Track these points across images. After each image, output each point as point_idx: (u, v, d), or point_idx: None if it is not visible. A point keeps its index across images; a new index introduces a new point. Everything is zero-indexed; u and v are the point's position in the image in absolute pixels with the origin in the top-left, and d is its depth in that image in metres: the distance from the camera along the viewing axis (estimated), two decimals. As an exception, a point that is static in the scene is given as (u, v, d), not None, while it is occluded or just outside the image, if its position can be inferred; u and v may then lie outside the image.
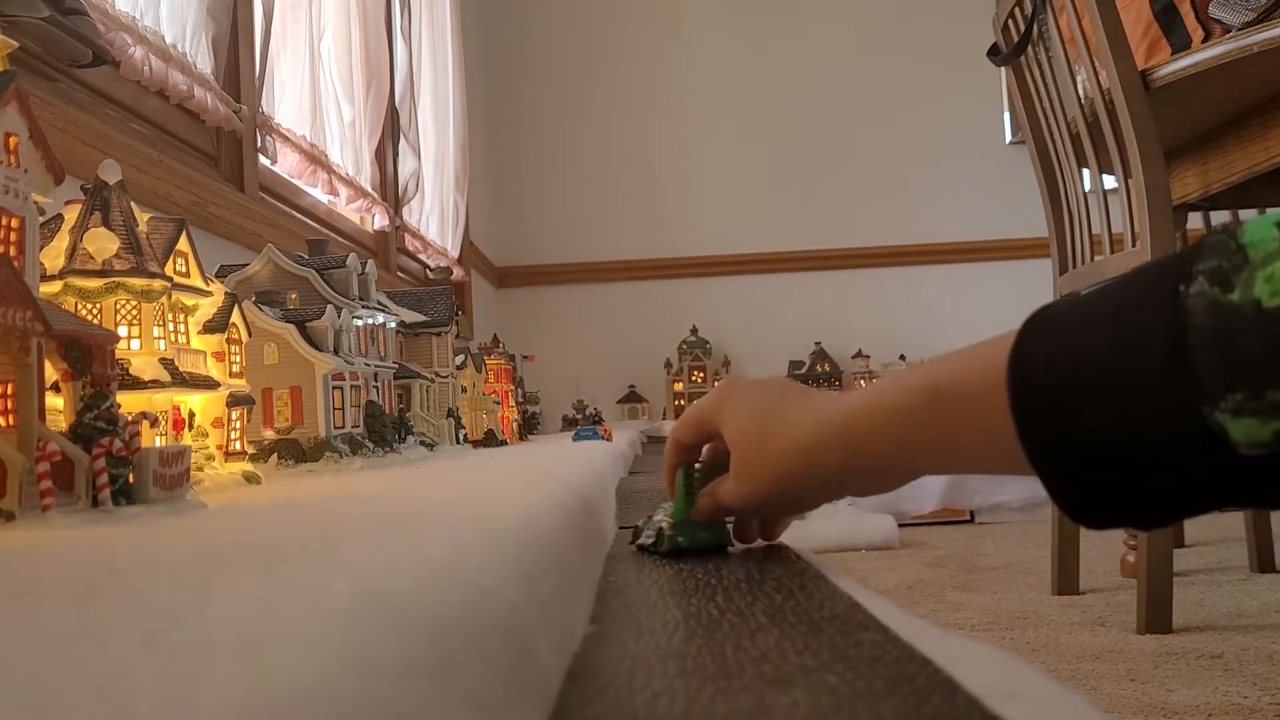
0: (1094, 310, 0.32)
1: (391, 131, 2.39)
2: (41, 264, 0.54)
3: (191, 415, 0.63)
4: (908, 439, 0.39)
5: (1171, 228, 1.29)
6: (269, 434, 0.84)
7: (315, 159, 1.81)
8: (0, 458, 0.39)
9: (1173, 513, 0.32)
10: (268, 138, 1.63)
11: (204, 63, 1.40)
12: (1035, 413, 0.33)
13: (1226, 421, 0.29)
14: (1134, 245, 1.33)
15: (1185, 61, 1.25)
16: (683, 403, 3.25)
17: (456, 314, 1.42)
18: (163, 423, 0.58)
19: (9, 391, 0.42)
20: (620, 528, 0.64)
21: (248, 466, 0.68)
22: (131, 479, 0.45)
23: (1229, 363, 0.28)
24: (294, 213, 1.81)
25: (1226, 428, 0.29)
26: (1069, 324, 0.33)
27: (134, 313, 0.59)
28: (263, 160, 1.64)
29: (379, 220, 2.26)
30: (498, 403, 1.71)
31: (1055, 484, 0.33)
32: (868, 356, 3.25)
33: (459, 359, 1.46)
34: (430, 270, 2.60)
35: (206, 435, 0.64)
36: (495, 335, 2.30)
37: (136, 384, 0.57)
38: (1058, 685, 0.25)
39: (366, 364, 0.99)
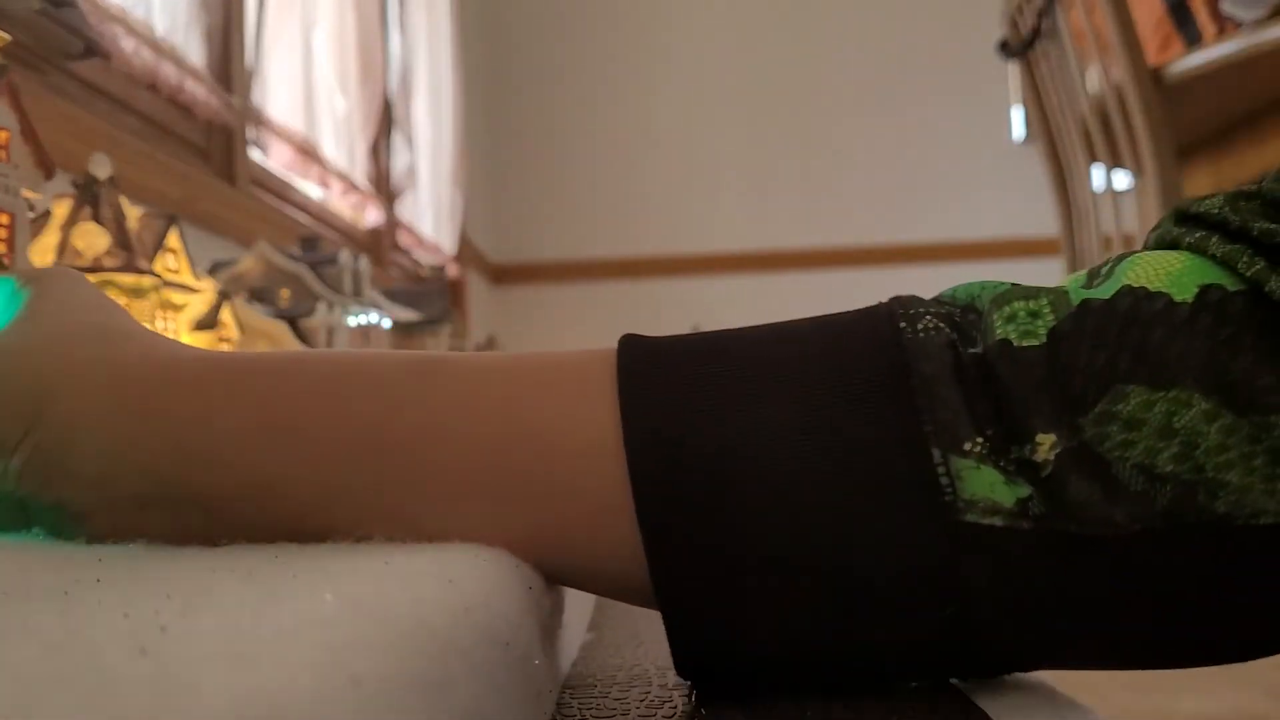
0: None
1: (386, 125, 2.38)
2: (30, 260, 0.53)
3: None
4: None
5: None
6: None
7: (308, 153, 1.80)
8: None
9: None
10: (260, 131, 1.62)
11: (195, 55, 1.39)
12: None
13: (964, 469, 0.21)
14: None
15: (1198, 58, 1.25)
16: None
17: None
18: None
19: None
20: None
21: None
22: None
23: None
24: (287, 207, 1.80)
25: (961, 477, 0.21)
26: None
27: (124, 310, 0.58)
28: (255, 154, 1.63)
29: (373, 215, 2.25)
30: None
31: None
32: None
33: (453, 355, 1.45)
34: (424, 268, 2.60)
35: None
36: (490, 336, 2.29)
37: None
38: (1063, 695, 0.25)
39: (360, 361, 0.98)
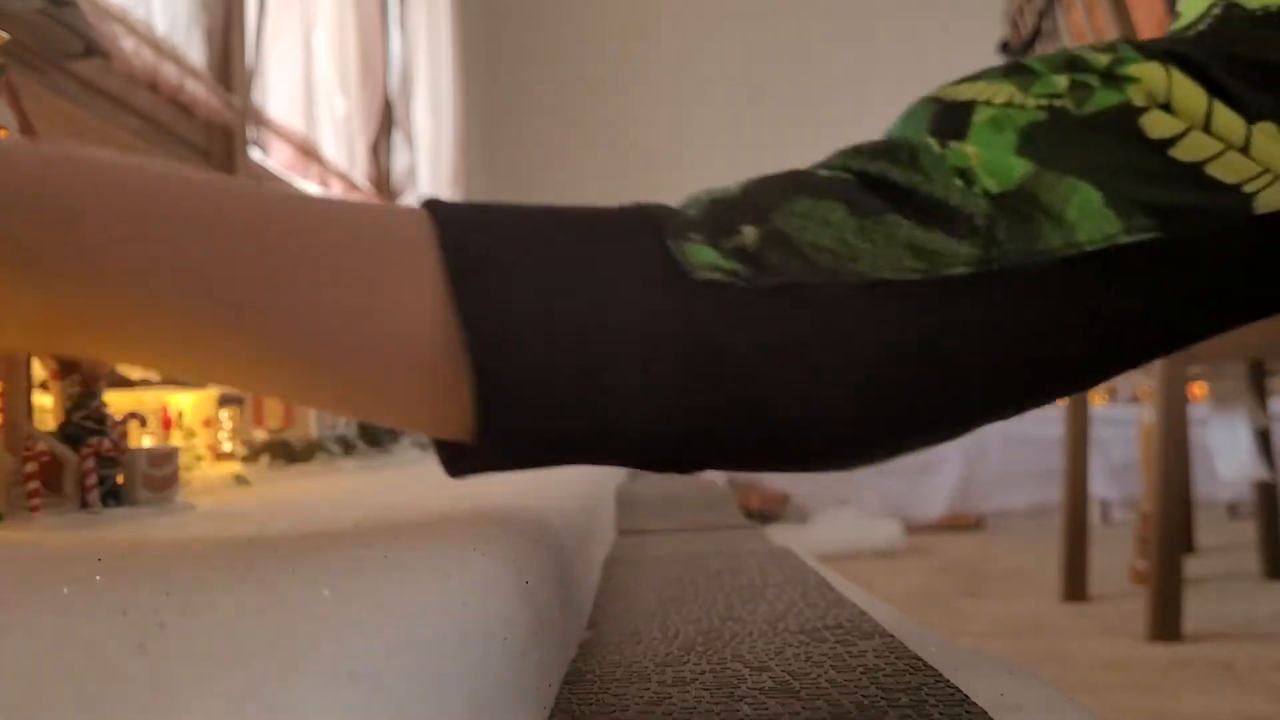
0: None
1: (386, 125, 2.39)
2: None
3: (180, 414, 0.62)
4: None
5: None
6: (260, 434, 0.84)
7: (308, 153, 1.80)
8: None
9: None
10: (260, 131, 1.62)
11: (196, 55, 1.39)
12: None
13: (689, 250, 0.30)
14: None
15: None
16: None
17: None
18: (151, 422, 0.57)
19: (-5, 390, 0.41)
20: (619, 532, 0.64)
21: (238, 467, 0.67)
22: (120, 480, 0.44)
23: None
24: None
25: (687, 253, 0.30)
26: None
27: (124, 309, 0.58)
28: (255, 154, 1.63)
29: (373, 215, 2.25)
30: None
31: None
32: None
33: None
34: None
35: (195, 435, 0.64)
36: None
37: (124, 382, 0.56)
38: (1064, 696, 0.25)
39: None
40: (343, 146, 2.07)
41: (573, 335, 0.29)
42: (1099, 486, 2.27)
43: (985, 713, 0.23)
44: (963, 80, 0.34)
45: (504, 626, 0.23)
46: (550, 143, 3.52)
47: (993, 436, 2.46)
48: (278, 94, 1.77)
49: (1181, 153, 0.31)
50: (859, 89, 3.48)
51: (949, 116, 0.33)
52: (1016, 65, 0.33)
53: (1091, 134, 0.31)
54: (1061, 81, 0.32)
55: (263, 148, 1.66)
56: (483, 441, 0.29)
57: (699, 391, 0.29)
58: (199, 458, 0.63)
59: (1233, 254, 0.31)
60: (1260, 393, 1.56)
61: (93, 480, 0.42)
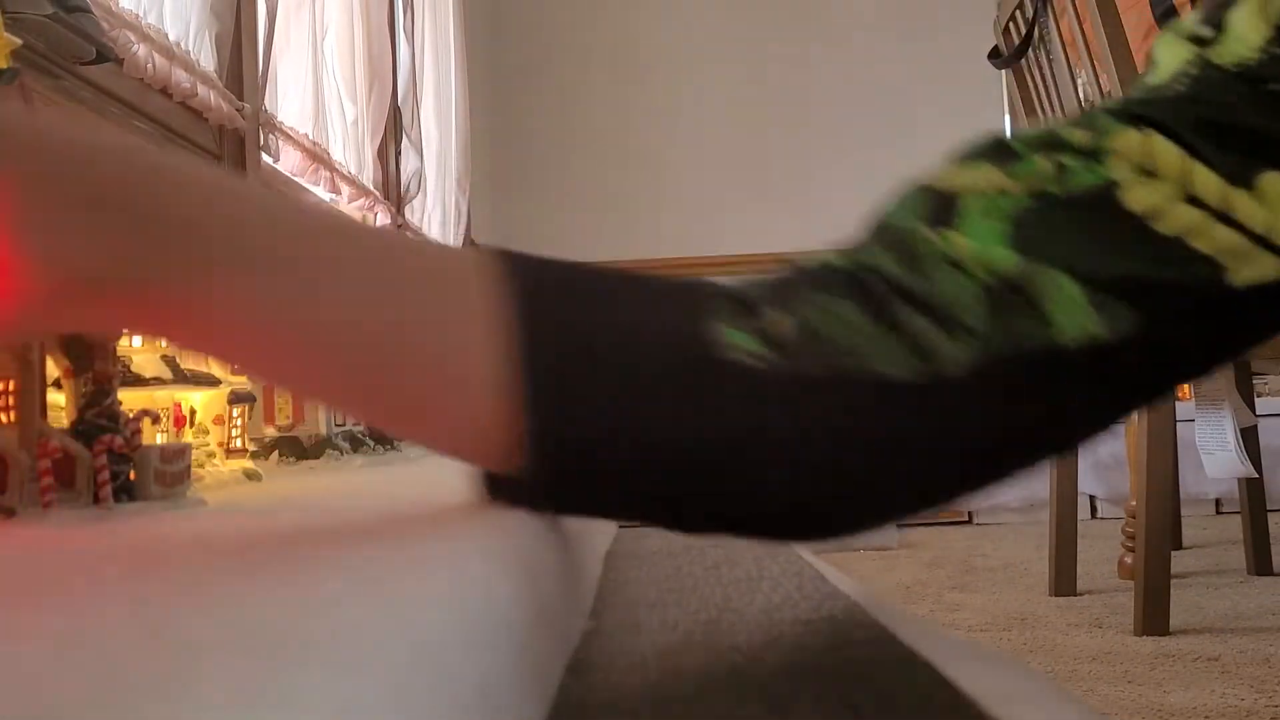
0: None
1: (394, 130, 2.40)
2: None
3: (193, 412, 0.63)
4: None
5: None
6: (270, 431, 0.84)
7: (317, 157, 1.81)
8: (2, 454, 0.39)
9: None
10: (270, 136, 1.64)
11: (207, 61, 1.40)
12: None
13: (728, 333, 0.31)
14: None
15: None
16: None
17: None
18: (164, 420, 0.58)
19: (11, 388, 0.42)
20: (620, 526, 0.64)
21: (249, 464, 0.68)
22: (133, 476, 0.45)
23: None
24: (296, 211, 1.81)
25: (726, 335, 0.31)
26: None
27: (136, 310, 0.59)
28: (265, 158, 1.64)
29: (381, 219, 2.26)
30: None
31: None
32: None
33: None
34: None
35: (207, 432, 0.64)
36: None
37: (138, 381, 0.57)
38: (1054, 687, 0.26)
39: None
40: (351, 152, 2.08)
41: (633, 432, 0.30)
42: (1085, 482, 2.28)
43: (975, 702, 0.24)
44: (950, 164, 0.35)
45: (508, 618, 0.24)
46: (553, 149, 3.52)
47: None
48: (288, 99, 1.78)
49: (1164, 226, 0.31)
50: (856, 94, 3.48)
51: (941, 204, 0.33)
52: (998, 145, 0.34)
53: (1075, 215, 0.31)
54: (1044, 163, 0.32)
55: (273, 152, 1.67)
56: (534, 500, 0.31)
57: (708, 477, 0.31)
58: (210, 454, 0.64)
59: (1200, 334, 0.32)
60: (1247, 391, 1.56)
61: (105, 476, 0.43)
